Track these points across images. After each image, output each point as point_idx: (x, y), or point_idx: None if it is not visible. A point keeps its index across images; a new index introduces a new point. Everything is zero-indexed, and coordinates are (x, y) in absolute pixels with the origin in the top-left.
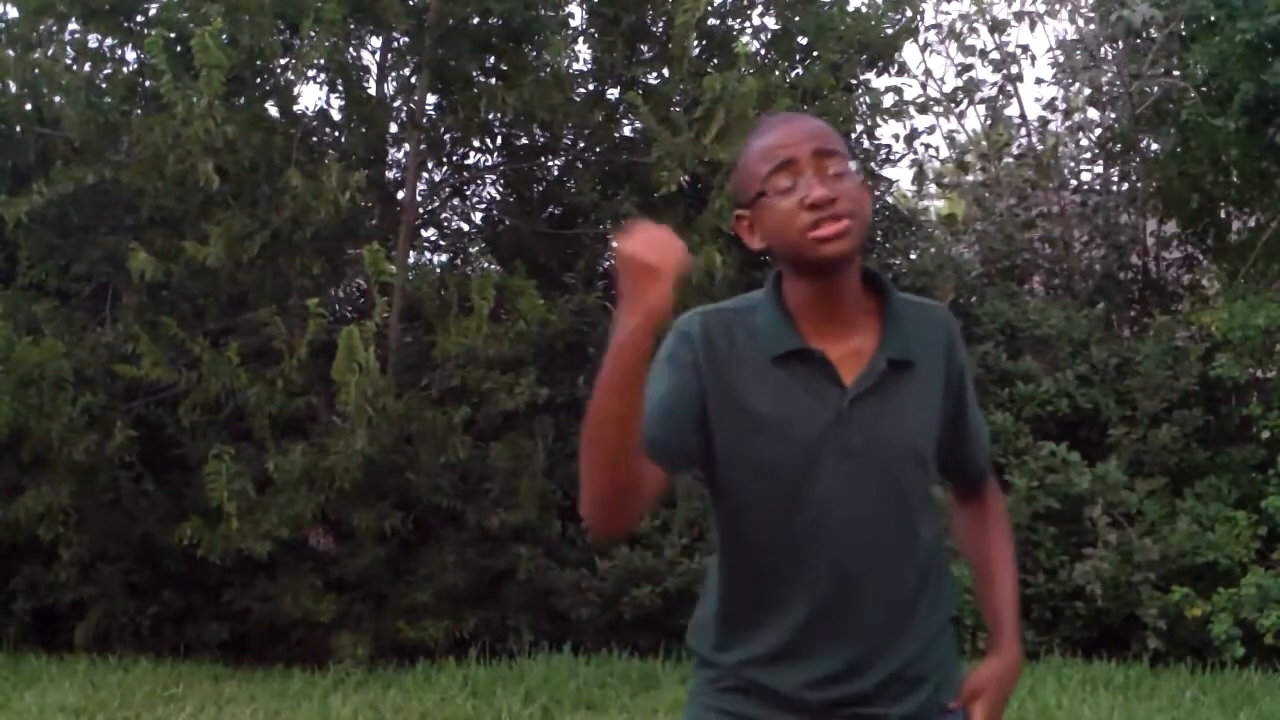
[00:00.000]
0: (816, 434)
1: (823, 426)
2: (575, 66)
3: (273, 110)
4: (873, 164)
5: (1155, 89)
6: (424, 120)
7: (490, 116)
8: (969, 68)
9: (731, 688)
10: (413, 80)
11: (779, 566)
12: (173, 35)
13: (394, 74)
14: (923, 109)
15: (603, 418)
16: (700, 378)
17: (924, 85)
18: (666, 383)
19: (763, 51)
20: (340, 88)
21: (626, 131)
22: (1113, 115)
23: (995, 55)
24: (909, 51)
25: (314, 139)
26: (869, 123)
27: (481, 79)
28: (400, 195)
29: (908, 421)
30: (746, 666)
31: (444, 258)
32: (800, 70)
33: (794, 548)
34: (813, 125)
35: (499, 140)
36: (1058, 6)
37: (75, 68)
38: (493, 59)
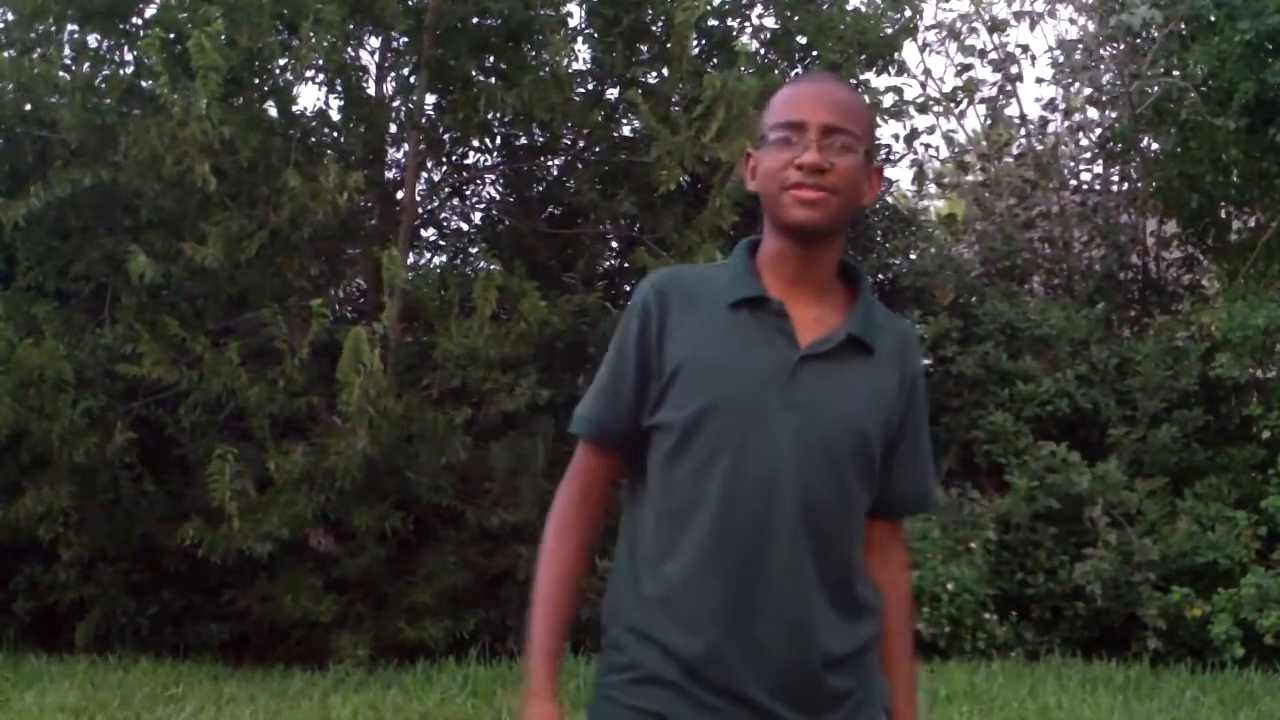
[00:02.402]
0: (762, 382)
1: (769, 376)
2: (574, 66)
3: (271, 111)
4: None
5: (1155, 89)
6: (423, 120)
7: (489, 116)
8: (969, 67)
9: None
10: (412, 80)
11: (711, 509)
12: (170, 36)
13: (393, 74)
14: (923, 109)
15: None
16: (646, 339)
17: (924, 85)
18: (609, 365)
19: (762, 51)
20: (339, 88)
21: (626, 131)
22: (1113, 115)
23: (995, 55)
24: (909, 51)
25: (312, 139)
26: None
27: (480, 79)
28: (399, 195)
29: (857, 398)
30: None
31: (443, 258)
32: (800, 70)
33: (729, 492)
34: (839, 97)
35: (498, 140)
36: (1058, 6)
37: (72, 69)
38: (492, 59)
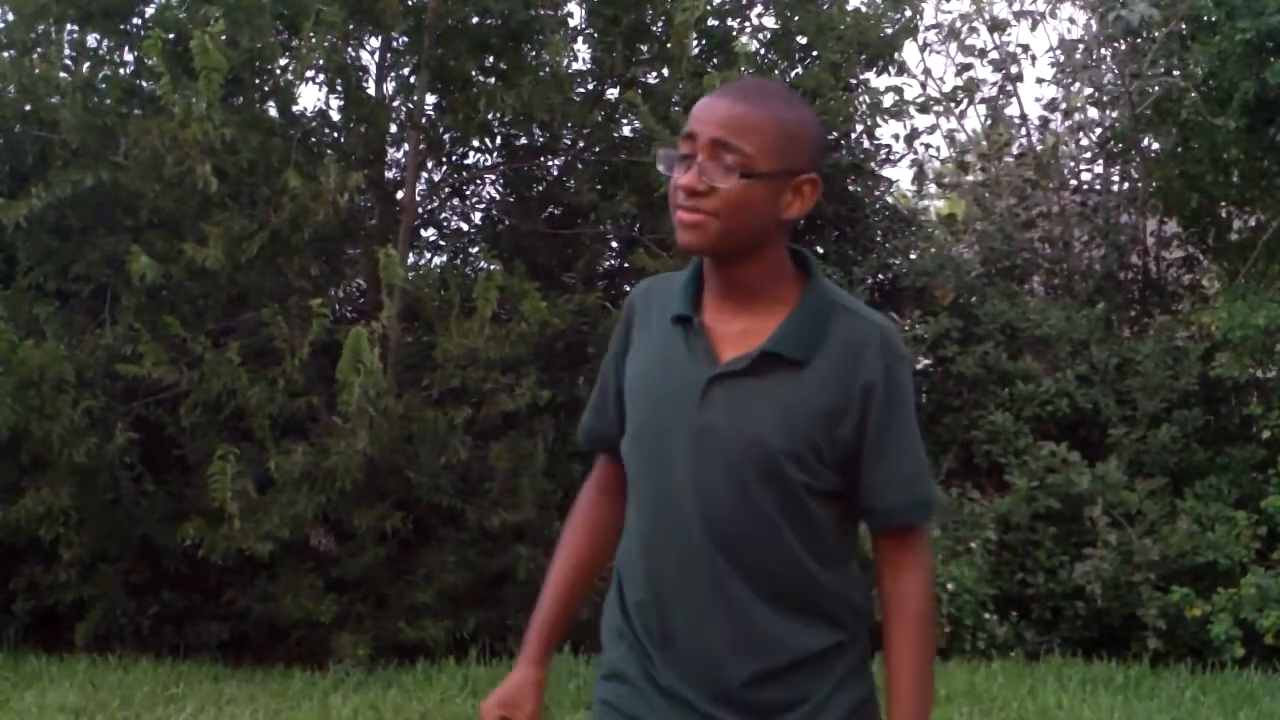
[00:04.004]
0: (676, 402)
1: (684, 395)
2: (574, 66)
3: (272, 111)
4: (873, 164)
5: (1155, 88)
6: (423, 120)
7: (489, 116)
8: (969, 67)
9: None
10: (412, 80)
11: (640, 529)
12: (171, 36)
13: (393, 74)
14: (923, 109)
15: None
16: (623, 347)
17: (924, 85)
18: (600, 376)
19: (762, 51)
20: (339, 88)
21: (626, 131)
22: (1113, 115)
23: (995, 55)
24: (909, 51)
25: (313, 140)
26: (869, 123)
27: (480, 79)
28: (399, 195)
29: (770, 417)
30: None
31: (443, 258)
32: (800, 70)
33: (651, 514)
34: (739, 112)
35: (498, 140)
36: (1058, 6)
37: (72, 70)
38: (492, 59)
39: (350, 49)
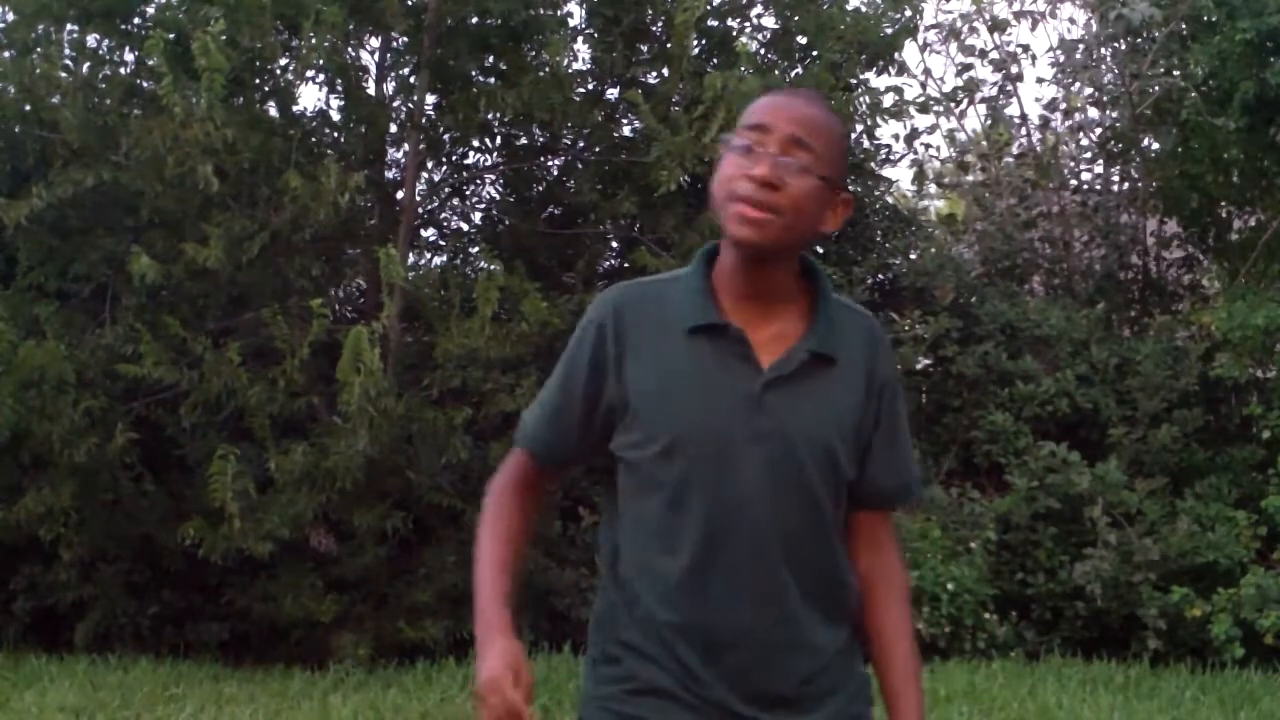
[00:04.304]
0: (727, 413)
1: (734, 406)
2: (575, 66)
3: (272, 111)
4: (873, 164)
5: (1155, 88)
6: (423, 120)
7: (490, 116)
8: (969, 67)
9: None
10: (412, 80)
11: (692, 540)
12: (171, 37)
13: (393, 74)
14: (923, 109)
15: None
16: (599, 361)
17: (924, 85)
18: (558, 381)
19: (762, 51)
20: (340, 88)
21: (626, 131)
22: (1113, 115)
23: (995, 55)
24: (909, 51)
25: (313, 140)
26: (869, 122)
27: (481, 79)
28: (400, 195)
29: (822, 416)
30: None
31: (444, 258)
32: (800, 70)
33: (707, 526)
34: (813, 113)
35: (498, 140)
36: (1058, 6)
37: (73, 70)
38: (492, 59)
39: (350, 49)
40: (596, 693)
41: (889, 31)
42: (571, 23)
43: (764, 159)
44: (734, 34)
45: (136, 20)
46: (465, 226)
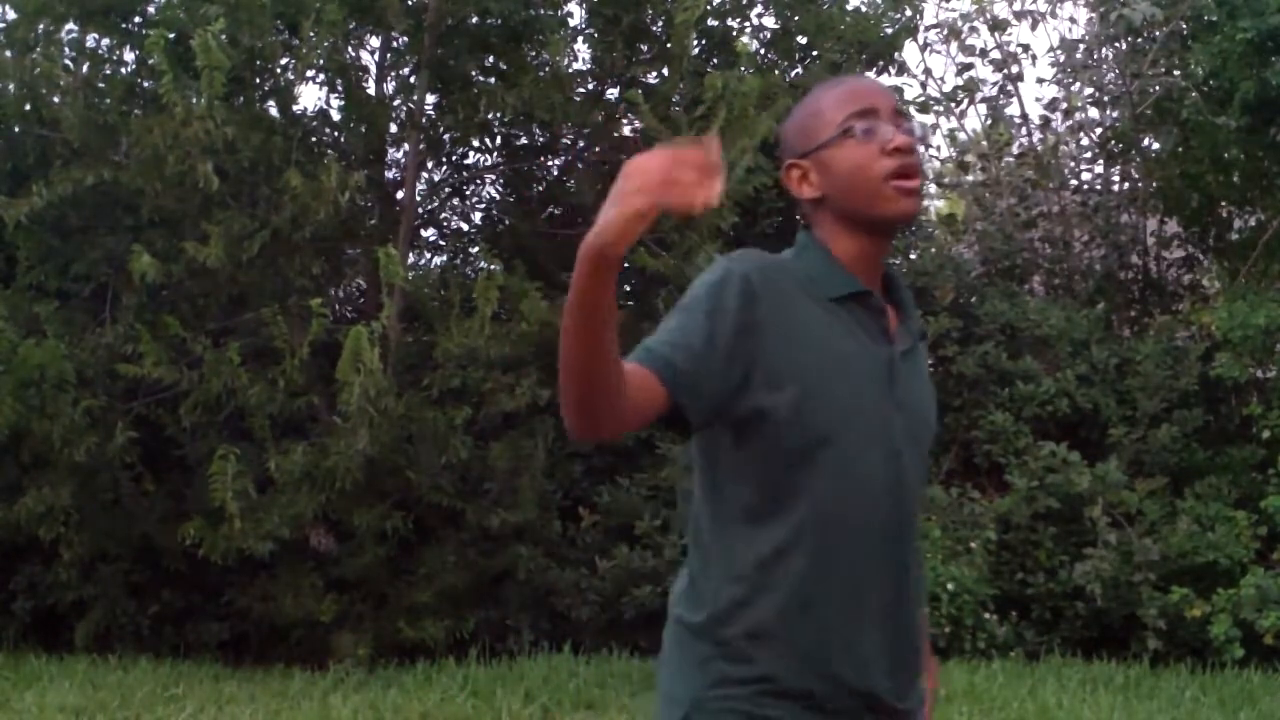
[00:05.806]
0: (874, 382)
1: (878, 375)
2: (575, 66)
3: (272, 110)
4: None
5: (1156, 88)
6: (423, 120)
7: (490, 116)
8: (969, 67)
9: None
10: (412, 80)
11: (811, 507)
12: (172, 36)
13: (393, 74)
14: (923, 108)
15: (567, 334)
16: (748, 317)
17: (924, 85)
18: (701, 326)
19: (762, 51)
20: (340, 88)
21: (626, 131)
22: (1113, 115)
23: (996, 55)
24: (909, 51)
25: (314, 139)
26: None
27: (481, 79)
28: (400, 195)
29: (926, 393)
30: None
31: (443, 258)
32: (800, 70)
33: (834, 497)
34: (887, 89)
35: (499, 140)
36: (1059, 6)
37: (73, 69)
38: (492, 59)
39: (350, 49)
40: (714, 693)
41: (889, 31)
42: (571, 23)
43: (893, 132)
44: (734, 34)
45: (137, 19)
46: (465, 226)
